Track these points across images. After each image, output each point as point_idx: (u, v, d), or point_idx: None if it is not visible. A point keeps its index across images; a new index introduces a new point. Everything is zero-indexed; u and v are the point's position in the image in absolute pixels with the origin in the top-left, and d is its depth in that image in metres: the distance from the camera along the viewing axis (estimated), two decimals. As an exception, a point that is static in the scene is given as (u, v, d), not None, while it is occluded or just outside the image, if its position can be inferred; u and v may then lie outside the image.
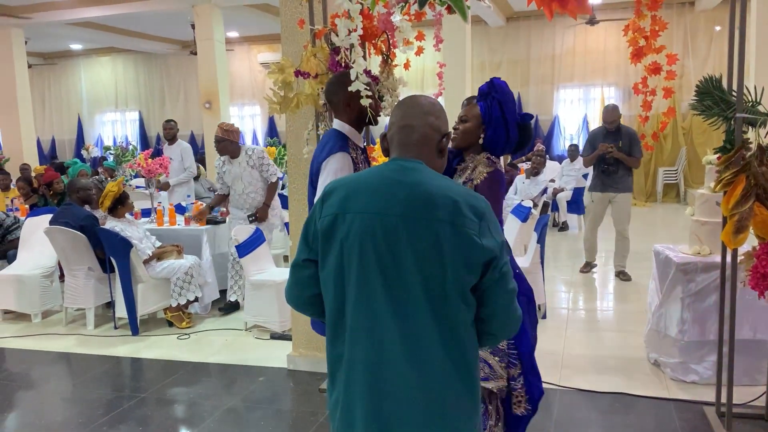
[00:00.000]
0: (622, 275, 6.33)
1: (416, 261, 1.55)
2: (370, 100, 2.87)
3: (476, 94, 2.85)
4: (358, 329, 1.61)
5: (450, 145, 2.76)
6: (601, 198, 6.29)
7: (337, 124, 2.87)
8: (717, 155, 3.20)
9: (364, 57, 3.94)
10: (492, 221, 1.61)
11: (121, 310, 5.37)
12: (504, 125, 2.68)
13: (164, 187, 7.38)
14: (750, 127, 3.08)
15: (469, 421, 1.62)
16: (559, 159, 11.82)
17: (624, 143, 6.09)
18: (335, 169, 2.68)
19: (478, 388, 1.67)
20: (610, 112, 6.22)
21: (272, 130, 15.80)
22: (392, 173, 1.64)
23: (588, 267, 6.71)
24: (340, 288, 1.63)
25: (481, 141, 2.70)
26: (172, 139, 7.90)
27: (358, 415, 1.62)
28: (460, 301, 1.57)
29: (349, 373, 1.64)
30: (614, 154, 6.07)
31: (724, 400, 3.29)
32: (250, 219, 5.62)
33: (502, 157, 4.67)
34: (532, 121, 13.56)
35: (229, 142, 5.57)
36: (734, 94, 3.14)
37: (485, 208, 1.61)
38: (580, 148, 11.12)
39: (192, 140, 16.32)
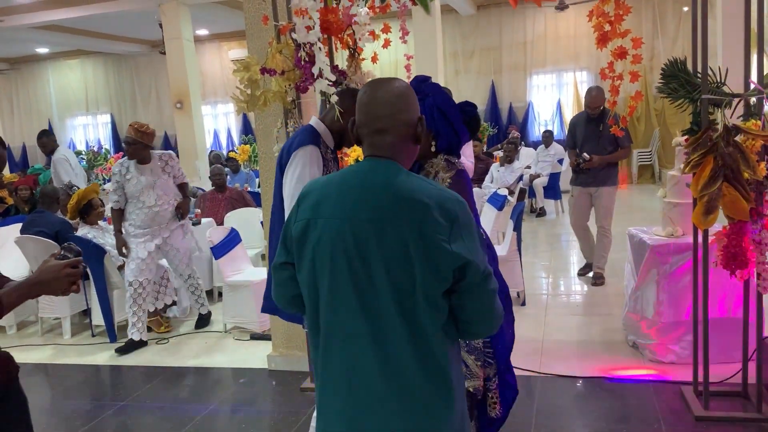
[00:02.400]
0: (597, 279, 5.70)
1: (385, 267, 1.52)
2: (336, 96, 2.86)
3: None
4: (332, 334, 1.60)
5: None
6: (582, 192, 5.75)
7: (314, 121, 2.87)
8: (685, 137, 3.22)
9: (332, 51, 3.92)
10: (466, 224, 1.55)
11: (97, 318, 5.30)
12: (451, 129, 2.63)
13: None
14: (716, 108, 3.09)
15: (445, 425, 1.59)
16: (535, 145, 11.87)
17: (607, 130, 5.38)
18: (303, 161, 2.67)
19: (455, 391, 1.62)
20: (595, 98, 5.57)
21: (247, 128, 15.67)
22: (363, 176, 1.60)
23: (588, 269, 5.96)
24: (313, 292, 1.61)
25: (433, 149, 2.65)
26: (51, 152, 7.57)
27: (335, 419, 1.61)
28: (429, 307, 1.53)
29: (324, 376, 1.63)
30: (593, 163, 5.49)
31: (701, 378, 3.32)
32: (178, 216, 5.08)
33: (472, 147, 4.68)
34: (487, 110, 13.28)
35: (142, 146, 4.83)
36: (699, 75, 3.15)
37: (459, 209, 1.55)
38: (555, 133, 11.21)
39: (166, 141, 16.14)
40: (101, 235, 5.25)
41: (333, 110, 2.85)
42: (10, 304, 1.81)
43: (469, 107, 2.81)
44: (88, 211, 5.21)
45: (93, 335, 5.39)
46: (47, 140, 7.47)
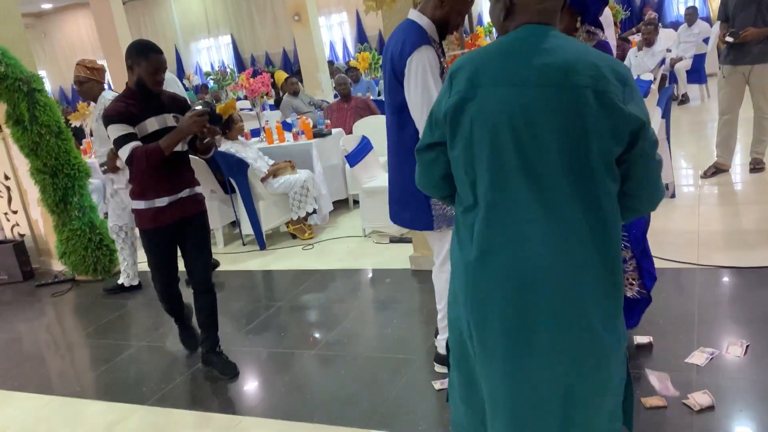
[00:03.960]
0: (756, 165, 5.24)
1: (557, 134, 1.44)
2: None
3: None
4: (494, 212, 1.54)
5: None
6: (733, 72, 5.05)
7: (415, 14, 2.63)
8: None
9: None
10: (635, 88, 1.48)
11: (246, 228, 5.63)
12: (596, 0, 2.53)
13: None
14: None
15: (611, 306, 1.54)
16: (674, 26, 10.83)
17: None
18: (423, 66, 2.51)
19: (621, 268, 1.56)
20: None
21: (361, 36, 15.52)
22: (524, 42, 1.50)
23: (714, 170, 5.34)
24: (470, 168, 1.56)
25: (578, 25, 2.54)
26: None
27: (495, 301, 1.56)
28: (605, 173, 1.46)
29: (485, 244, 1.55)
30: (747, 37, 4.83)
31: None
32: (102, 169, 4.61)
33: (613, 28, 4.34)
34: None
35: (95, 83, 4.44)
36: None
37: (627, 74, 1.48)
38: (701, 10, 10.12)
39: (285, 57, 16.37)
40: (243, 149, 5.48)
41: None
42: (167, 147, 3.06)
43: None
44: (230, 126, 5.41)
45: (243, 244, 5.75)
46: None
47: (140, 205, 3.22)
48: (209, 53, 18.14)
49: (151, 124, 3.12)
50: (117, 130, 3.05)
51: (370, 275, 4.59)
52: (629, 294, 2.85)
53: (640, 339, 2.96)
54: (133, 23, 17.53)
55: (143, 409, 3.23)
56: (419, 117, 2.58)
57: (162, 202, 3.19)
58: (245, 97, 7.69)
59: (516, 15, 1.54)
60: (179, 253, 3.43)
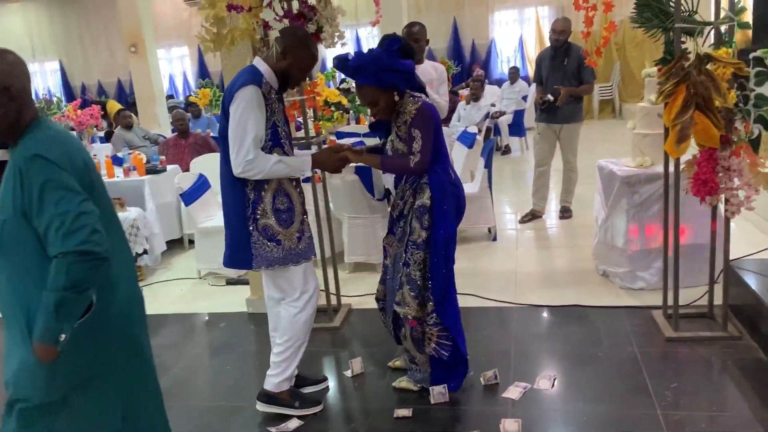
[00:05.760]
0: (564, 212, 5.84)
1: None
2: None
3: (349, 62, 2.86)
4: None
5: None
6: (546, 130, 5.66)
7: (257, 61, 2.82)
8: (658, 67, 3.25)
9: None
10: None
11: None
12: (398, 74, 2.78)
13: None
14: (688, 37, 3.12)
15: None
16: (498, 83, 11.85)
17: (571, 65, 5.46)
18: (245, 102, 2.66)
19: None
20: (560, 22, 5.49)
21: (203, 71, 15.23)
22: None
23: (530, 217, 5.87)
24: None
25: (396, 98, 2.84)
26: None
27: None
28: None
29: None
30: (563, 97, 5.37)
31: (670, 302, 3.47)
32: None
33: (446, 86, 4.67)
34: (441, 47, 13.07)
35: None
36: (672, 4, 3.16)
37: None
38: (521, 70, 11.17)
39: (119, 88, 15.60)
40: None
41: (275, 49, 2.78)
42: None
43: (391, 44, 2.84)
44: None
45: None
46: None
47: None
48: (33, 79, 16.73)
49: None
50: None
51: (205, 319, 4.44)
52: (428, 350, 2.89)
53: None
54: (-59, 40, 15.78)
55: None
56: (233, 147, 2.69)
57: None
58: (72, 129, 7.19)
59: (26, 109, 1.90)
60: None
